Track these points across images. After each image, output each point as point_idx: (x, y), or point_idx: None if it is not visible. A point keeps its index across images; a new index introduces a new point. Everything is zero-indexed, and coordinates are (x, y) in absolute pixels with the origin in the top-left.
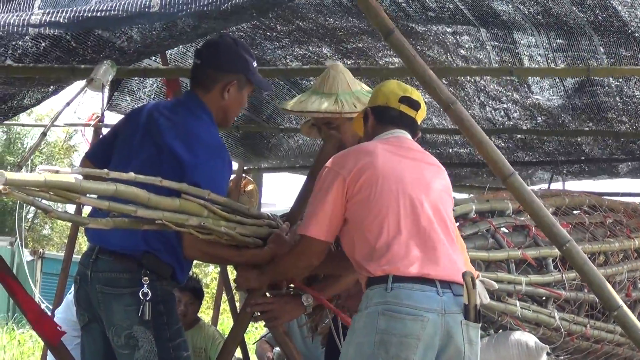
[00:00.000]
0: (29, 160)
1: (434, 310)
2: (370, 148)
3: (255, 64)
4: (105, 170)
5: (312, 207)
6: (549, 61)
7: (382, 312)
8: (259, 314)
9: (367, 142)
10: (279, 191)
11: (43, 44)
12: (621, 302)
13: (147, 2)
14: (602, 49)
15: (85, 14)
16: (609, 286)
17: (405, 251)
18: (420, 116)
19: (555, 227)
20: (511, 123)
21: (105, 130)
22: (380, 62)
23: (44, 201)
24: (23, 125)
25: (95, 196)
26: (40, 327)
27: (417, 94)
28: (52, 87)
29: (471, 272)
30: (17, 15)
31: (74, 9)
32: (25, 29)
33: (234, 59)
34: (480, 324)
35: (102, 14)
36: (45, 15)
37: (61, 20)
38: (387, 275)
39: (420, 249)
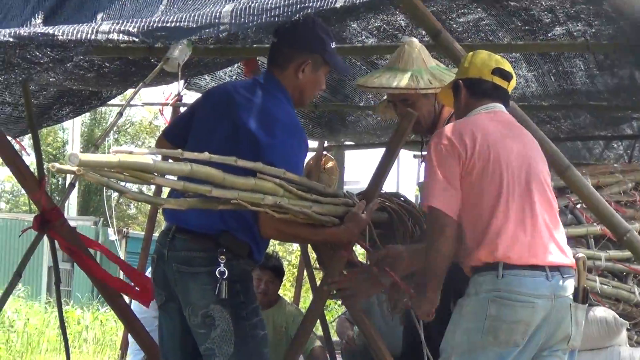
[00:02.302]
0: (115, 140)
1: (544, 295)
2: (483, 125)
3: (333, 45)
4: (180, 150)
5: (432, 177)
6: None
7: (493, 299)
8: (335, 291)
9: (477, 117)
10: (362, 168)
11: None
12: None
13: (218, 14)
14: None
15: (155, 24)
16: None
17: (513, 238)
18: (511, 87)
19: (615, 218)
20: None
21: (183, 110)
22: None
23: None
24: (106, 104)
25: (176, 177)
26: (132, 292)
27: (507, 65)
28: (134, 77)
29: (583, 256)
30: (87, 25)
31: (145, 19)
32: (94, 35)
33: (310, 38)
34: (587, 304)
35: (173, 25)
36: (115, 24)
37: (131, 29)
38: (497, 263)
39: (528, 235)
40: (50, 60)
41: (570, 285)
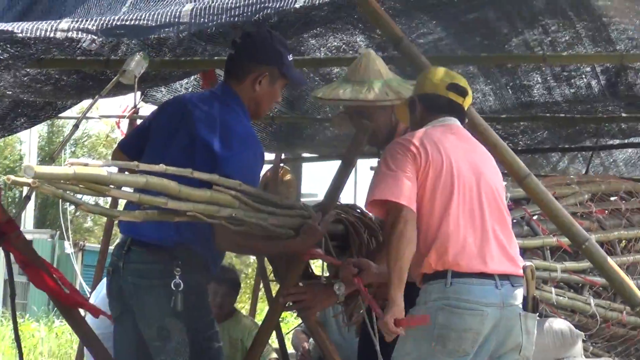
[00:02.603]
0: (72, 153)
1: (493, 304)
2: (437, 136)
3: (290, 58)
4: (135, 162)
5: (390, 174)
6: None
7: (442, 307)
8: (291, 303)
9: (431, 129)
10: (320, 181)
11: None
12: None
13: (177, 13)
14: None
15: (114, 22)
16: (631, 283)
17: (463, 245)
18: (467, 103)
19: (574, 227)
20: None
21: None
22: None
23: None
24: (61, 117)
25: (132, 189)
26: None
27: (463, 81)
28: (91, 90)
29: (531, 264)
30: (46, 22)
31: (104, 18)
32: (53, 33)
33: (268, 50)
34: (537, 314)
35: (132, 23)
36: (75, 22)
37: (90, 27)
38: (446, 270)
39: (477, 243)
40: (9, 57)
41: (520, 294)
